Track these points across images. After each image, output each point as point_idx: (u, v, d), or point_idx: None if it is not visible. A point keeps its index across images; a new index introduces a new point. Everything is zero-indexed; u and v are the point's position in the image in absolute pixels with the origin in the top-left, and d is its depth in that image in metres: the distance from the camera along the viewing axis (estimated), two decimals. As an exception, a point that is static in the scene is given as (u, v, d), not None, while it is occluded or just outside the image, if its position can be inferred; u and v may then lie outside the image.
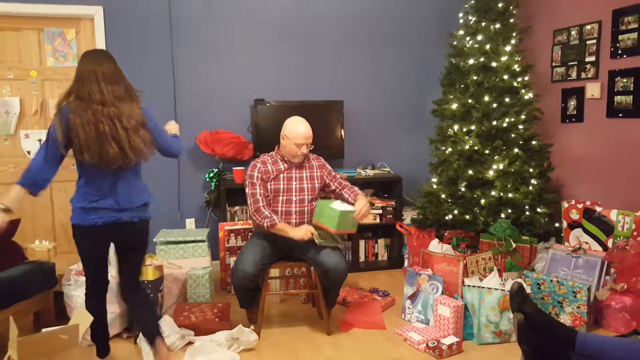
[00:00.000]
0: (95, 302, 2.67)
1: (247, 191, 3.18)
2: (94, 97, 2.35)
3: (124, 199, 2.49)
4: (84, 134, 2.33)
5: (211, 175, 4.28)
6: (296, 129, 3.15)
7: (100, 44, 4.10)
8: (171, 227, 4.29)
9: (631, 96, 3.57)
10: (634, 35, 3.53)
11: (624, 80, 3.62)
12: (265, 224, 3.07)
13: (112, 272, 3.27)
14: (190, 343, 2.99)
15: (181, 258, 3.66)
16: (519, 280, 3.08)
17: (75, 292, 3.11)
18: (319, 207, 3.13)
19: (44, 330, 2.44)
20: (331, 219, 3.02)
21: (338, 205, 3.05)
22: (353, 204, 3.16)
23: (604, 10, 3.76)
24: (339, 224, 3.00)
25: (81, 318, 2.46)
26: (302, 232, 3.04)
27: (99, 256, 2.59)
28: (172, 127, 2.87)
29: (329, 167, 3.38)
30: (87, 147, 2.34)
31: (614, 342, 2.05)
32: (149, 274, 3.10)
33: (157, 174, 4.25)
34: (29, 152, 4.11)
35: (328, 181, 3.32)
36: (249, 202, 3.15)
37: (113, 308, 3.10)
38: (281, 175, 3.21)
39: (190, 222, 4.42)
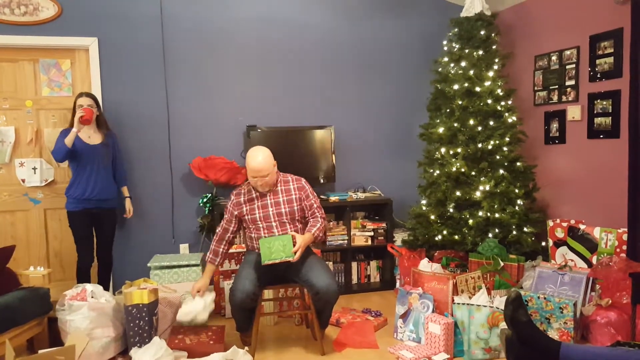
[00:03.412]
0: None
1: None
2: None
3: None
4: None
5: (205, 200, 4.34)
6: (249, 162, 3.12)
7: (95, 74, 4.19)
8: (165, 252, 4.33)
9: (610, 117, 3.71)
10: (610, 59, 3.68)
11: (603, 102, 3.76)
12: (207, 258, 3.33)
13: (107, 296, 3.31)
14: (184, 365, 3.01)
15: (175, 282, 3.69)
16: (518, 290, 3.14)
17: (70, 317, 3.09)
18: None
19: (40, 351, 2.47)
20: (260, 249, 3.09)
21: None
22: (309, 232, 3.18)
23: (581, 36, 3.92)
24: (264, 254, 3.02)
25: (77, 340, 2.49)
26: (194, 290, 3.27)
27: None
28: None
29: (308, 191, 3.29)
30: None
31: (596, 351, 2.12)
32: (143, 297, 3.12)
33: (151, 200, 4.33)
34: (23, 181, 4.15)
35: (304, 205, 3.27)
36: None
37: (108, 332, 3.11)
38: (256, 205, 3.23)
39: (184, 247, 4.46)
